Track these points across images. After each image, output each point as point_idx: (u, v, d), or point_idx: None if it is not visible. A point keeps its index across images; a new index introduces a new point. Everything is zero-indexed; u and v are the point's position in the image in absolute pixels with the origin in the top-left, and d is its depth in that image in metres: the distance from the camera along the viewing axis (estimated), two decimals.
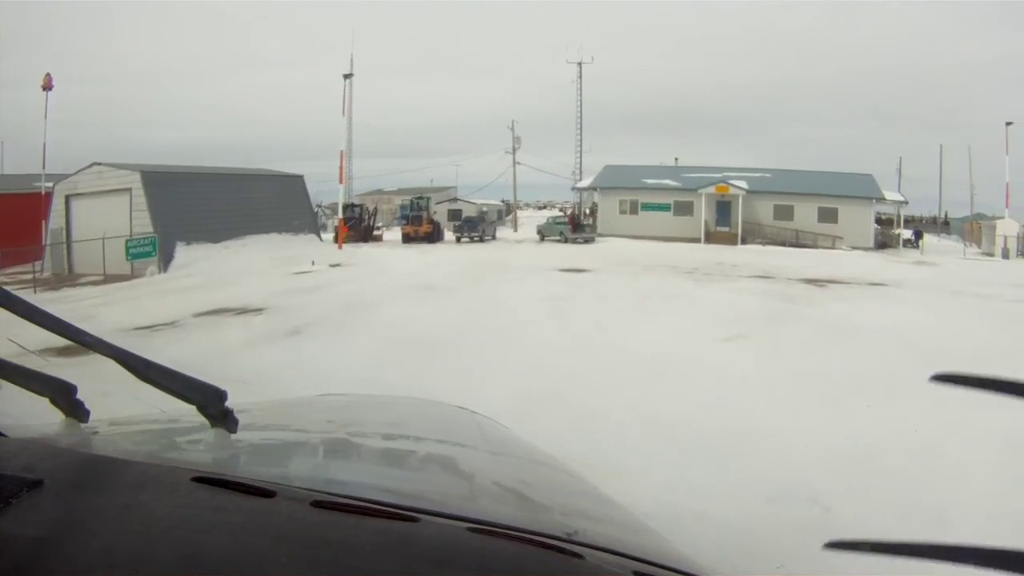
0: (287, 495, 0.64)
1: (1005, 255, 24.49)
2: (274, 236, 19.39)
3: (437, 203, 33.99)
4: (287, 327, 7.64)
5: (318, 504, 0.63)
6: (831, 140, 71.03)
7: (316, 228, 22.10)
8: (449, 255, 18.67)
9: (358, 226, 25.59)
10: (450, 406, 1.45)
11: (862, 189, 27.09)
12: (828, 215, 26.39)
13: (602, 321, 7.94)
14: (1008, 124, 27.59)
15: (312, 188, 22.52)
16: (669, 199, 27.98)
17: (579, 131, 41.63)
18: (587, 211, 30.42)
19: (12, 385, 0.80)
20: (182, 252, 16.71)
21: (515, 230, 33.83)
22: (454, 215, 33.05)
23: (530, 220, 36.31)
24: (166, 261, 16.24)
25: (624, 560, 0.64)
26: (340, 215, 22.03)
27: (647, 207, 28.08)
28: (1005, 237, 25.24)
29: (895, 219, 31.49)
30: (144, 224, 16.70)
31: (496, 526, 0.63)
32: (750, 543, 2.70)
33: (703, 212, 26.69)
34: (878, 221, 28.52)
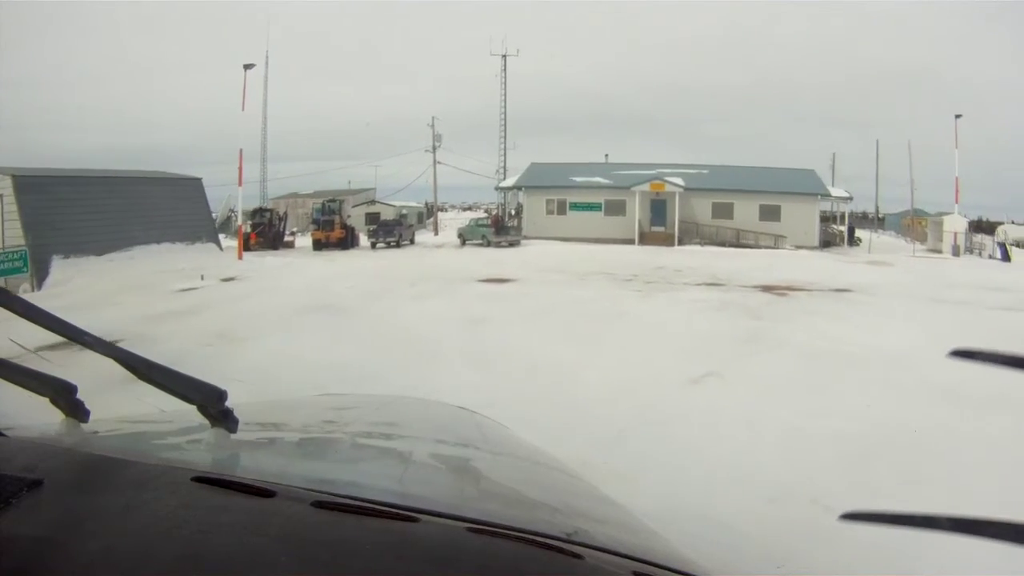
0: (287, 495, 0.70)
1: (955, 252, 25.63)
2: (167, 246, 19.55)
3: (354, 206, 34.55)
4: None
5: (318, 504, 0.68)
6: (765, 138, 74.38)
7: (215, 236, 22.28)
8: (359, 264, 18.79)
9: (267, 232, 26.03)
10: (450, 406, 1.57)
11: (805, 185, 28.07)
12: (770, 213, 27.25)
13: (530, 358, 6.96)
14: (957, 117, 28.45)
15: (227, 192, 22.82)
16: (600, 198, 28.57)
17: (503, 126, 41.70)
18: (512, 212, 31.00)
19: (12, 385, 0.85)
20: (59, 267, 16.46)
21: (436, 233, 34.29)
22: (372, 219, 33.19)
23: (454, 222, 35.94)
24: (40, 278, 16.01)
25: (624, 560, 0.69)
26: (240, 221, 22.37)
27: (576, 207, 28.59)
28: (955, 234, 26.31)
29: (834, 216, 32.95)
30: (18, 235, 16.42)
31: (496, 526, 0.68)
32: None
33: (637, 211, 27.34)
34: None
